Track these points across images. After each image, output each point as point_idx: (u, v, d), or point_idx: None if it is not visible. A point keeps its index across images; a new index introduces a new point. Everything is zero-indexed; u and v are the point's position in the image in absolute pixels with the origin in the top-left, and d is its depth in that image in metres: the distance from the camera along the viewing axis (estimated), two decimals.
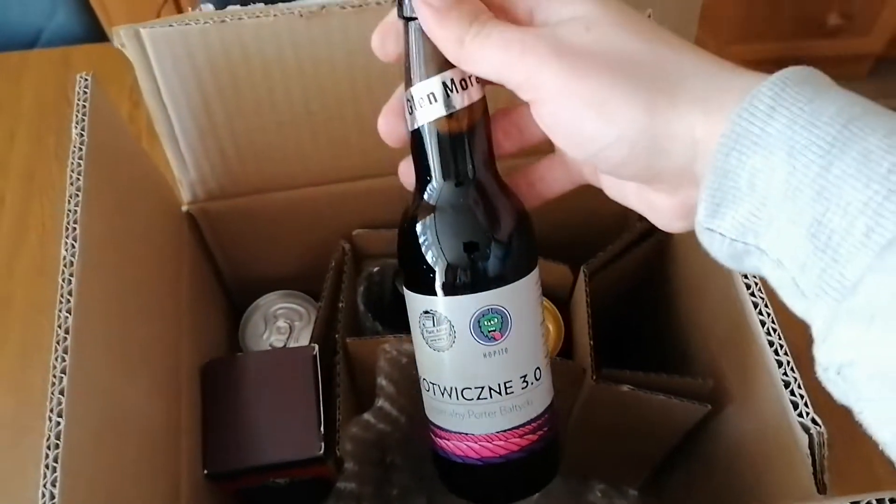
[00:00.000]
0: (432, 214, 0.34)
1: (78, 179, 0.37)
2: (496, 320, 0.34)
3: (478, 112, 0.33)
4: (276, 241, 0.54)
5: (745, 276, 0.42)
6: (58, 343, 0.32)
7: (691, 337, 0.53)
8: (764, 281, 0.42)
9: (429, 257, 0.34)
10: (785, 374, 0.38)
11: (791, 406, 0.37)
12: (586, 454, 0.64)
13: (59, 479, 0.29)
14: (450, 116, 0.32)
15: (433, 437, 0.39)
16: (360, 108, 0.46)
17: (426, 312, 0.35)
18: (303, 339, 0.55)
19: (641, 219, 0.33)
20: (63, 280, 0.34)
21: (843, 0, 1.50)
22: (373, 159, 0.49)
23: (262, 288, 0.58)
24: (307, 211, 0.51)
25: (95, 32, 1.04)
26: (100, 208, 0.37)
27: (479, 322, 0.34)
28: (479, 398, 0.36)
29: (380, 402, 0.48)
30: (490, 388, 0.36)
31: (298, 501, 0.50)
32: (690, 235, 0.54)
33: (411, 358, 0.51)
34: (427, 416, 0.39)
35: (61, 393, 0.31)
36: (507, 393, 0.36)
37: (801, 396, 0.37)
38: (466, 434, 0.37)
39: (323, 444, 0.45)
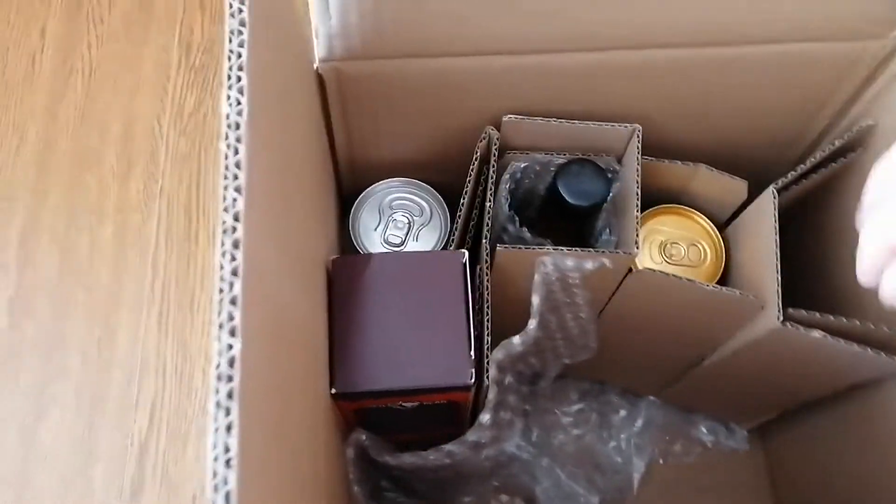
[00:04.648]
0: None
1: (240, 33, 0.27)
2: None
3: None
4: (408, 119, 0.45)
5: None
6: (225, 233, 0.24)
7: None
8: None
9: None
10: None
11: None
12: (707, 391, 0.58)
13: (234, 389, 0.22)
14: None
15: None
16: None
17: None
18: (423, 238, 0.47)
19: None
20: (228, 147, 0.25)
21: None
22: (561, 27, 0.39)
23: (374, 177, 0.49)
24: (458, 85, 0.42)
25: None
26: (257, 65, 0.28)
27: None
28: None
29: (533, 325, 0.41)
30: None
31: (418, 424, 0.44)
32: None
33: (565, 275, 0.43)
34: None
35: (232, 303, 0.23)
36: None
37: None
38: None
39: (473, 371, 0.38)
